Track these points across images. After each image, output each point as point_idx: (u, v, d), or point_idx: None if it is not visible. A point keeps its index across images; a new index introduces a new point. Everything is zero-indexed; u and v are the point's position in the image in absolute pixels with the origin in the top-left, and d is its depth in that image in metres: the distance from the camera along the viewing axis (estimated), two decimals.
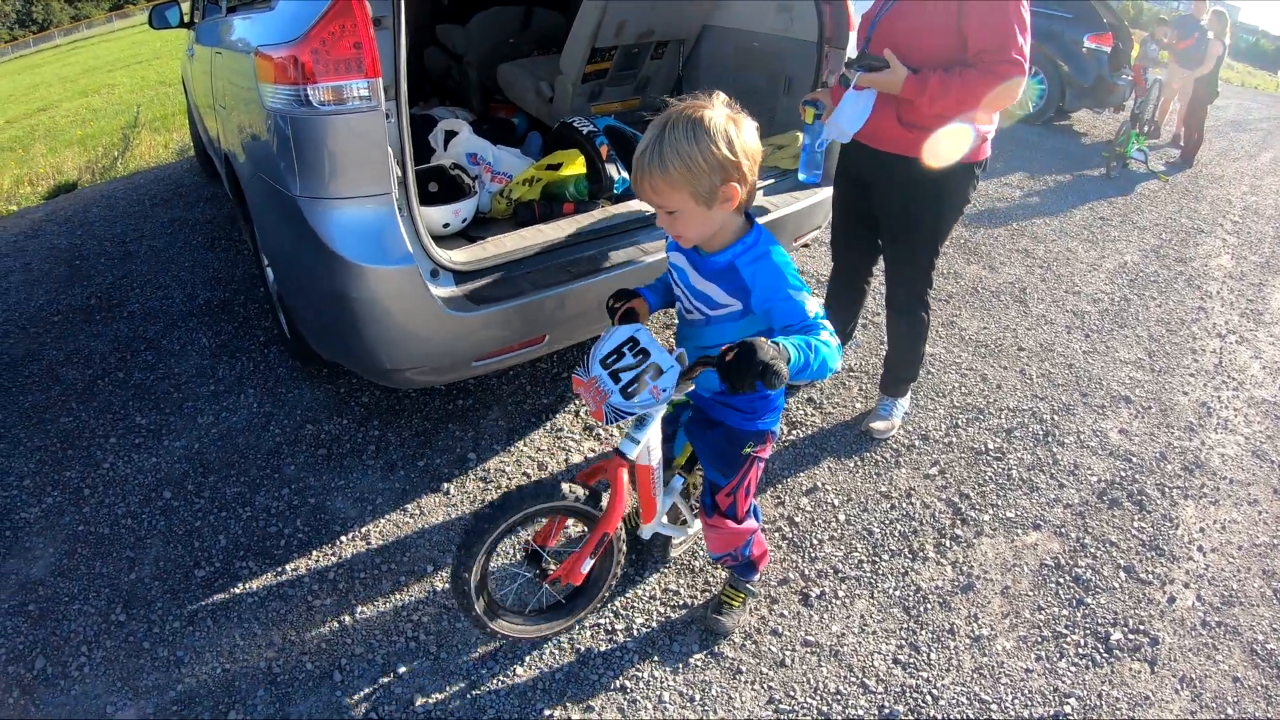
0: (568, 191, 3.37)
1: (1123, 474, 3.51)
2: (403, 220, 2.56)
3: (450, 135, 3.75)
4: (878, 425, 3.58)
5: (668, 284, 2.29)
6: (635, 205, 3.37)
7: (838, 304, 3.66)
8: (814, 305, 1.90)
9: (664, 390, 1.93)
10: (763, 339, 1.70)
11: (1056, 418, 3.85)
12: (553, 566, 2.37)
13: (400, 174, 2.53)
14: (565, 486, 2.22)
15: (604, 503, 2.25)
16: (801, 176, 3.34)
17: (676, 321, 2.31)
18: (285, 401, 3.72)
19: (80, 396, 3.82)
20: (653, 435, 2.20)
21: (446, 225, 3.07)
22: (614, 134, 3.82)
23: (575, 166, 3.42)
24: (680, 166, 1.78)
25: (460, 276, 2.76)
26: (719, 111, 1.82)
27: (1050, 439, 3.69)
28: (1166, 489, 3.44)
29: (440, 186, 3.21)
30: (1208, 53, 9.56)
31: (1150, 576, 3.00)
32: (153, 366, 4.03)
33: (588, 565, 2.29)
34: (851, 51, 3.55)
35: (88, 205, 6.72)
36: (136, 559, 2.93)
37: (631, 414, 1.95)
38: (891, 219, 3.18)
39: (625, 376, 1.93)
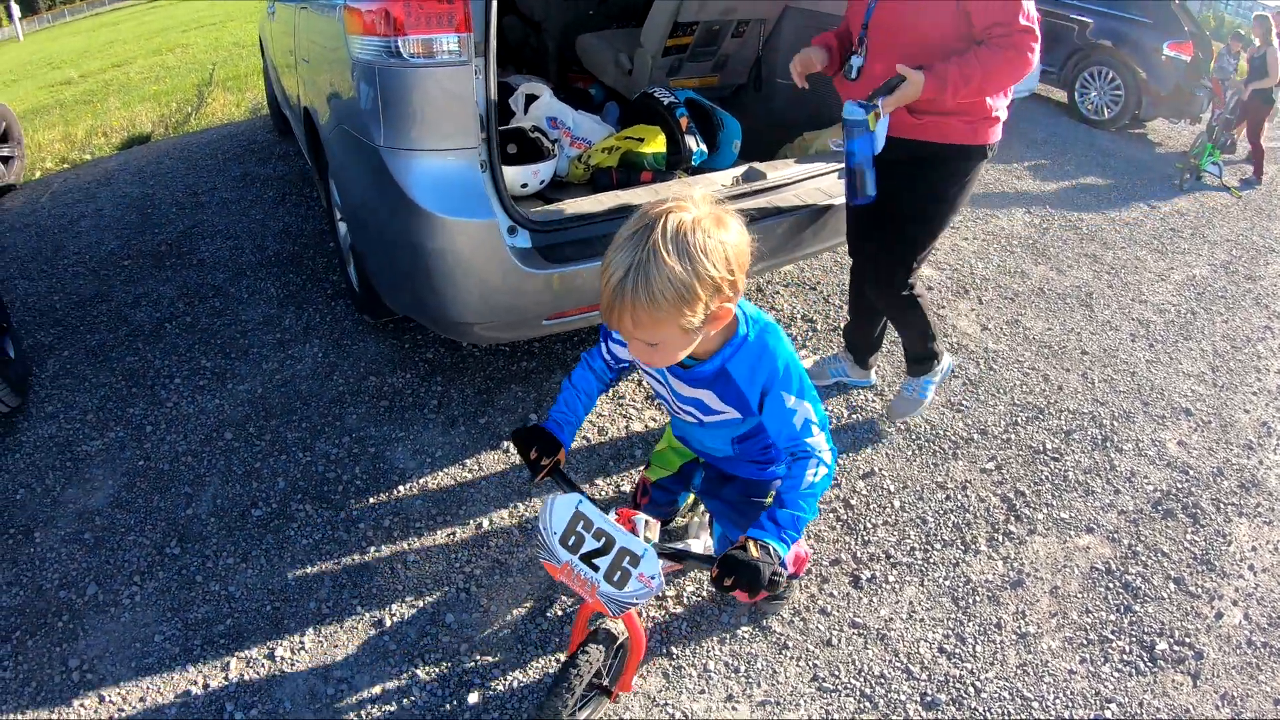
0: (646, 161, 3.37)
1: (1179, 486, 3.43)
2: (484, 176, 2.59)
3: (531, 99, 3.77)
4: (897, 407, 3.52)
5: (579, 403, 2.00)
6: (713, 177, 3.36)
7: (859, 308, 3.54)
8: (808, 412, 1.74)
9: (653, 577, 1.68)
10: (750, 549, 1.58)
11: (1116, 424, 3.77)
12: (607, 683, 2.14)
13: (484, 130, 2.55)
14: (584, 666, 1.89)
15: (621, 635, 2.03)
16: (852, 201, 3.12)
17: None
18: (350, 353, 3.76)
19: (147, 338, 3.91)
20: None
21: (525, 186, 3.10)
22: (694, 106, 3.81)
23: (656, 144, 3.42)
24: (674, 299, 1.47)
25: (537, 235, 2.77)
26: (705, 216, 1.51)
27: (1109, 444, 3.62)
28: (1221, 505, 3.35)
29: (519, 148, 3.24)
30: (1268, 63, 9.33)
31: (1199, 590, 2.93)
32: (220, 313, 4.10)
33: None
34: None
35: (160, 157, 6.84)
36: (194, 495, 2.99)
37: (633, 603, 1.70)
38: (887, 199, 2.99)
39: (602, 564, 1.69)
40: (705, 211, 1.52)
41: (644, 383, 1.98)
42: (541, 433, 1.90)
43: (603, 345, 2.01)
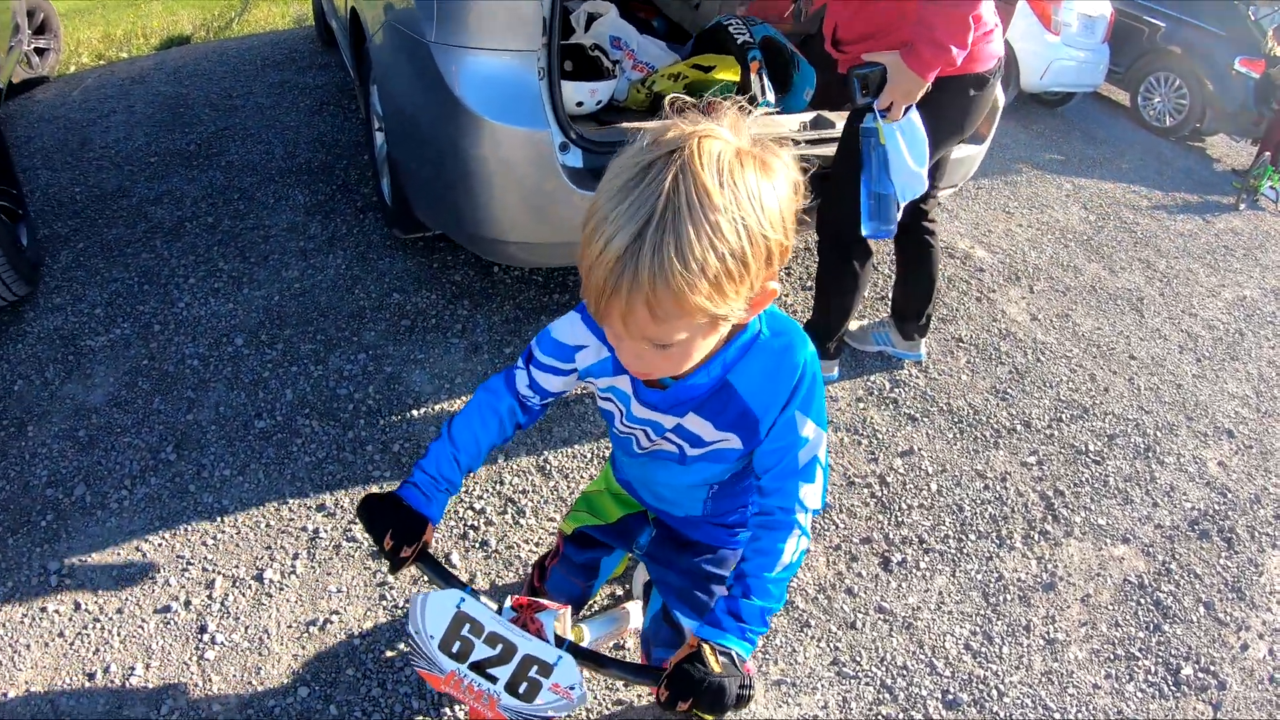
0: (713, 93, 3.16)
1: (1216, 507, 3.31)
2: (541, 84, 2.40)
3: (593, 18, 3.57)
4: (856, 336, 3.55)
5: (457, 461, 1.42)
6: (780, 119, 3.17)
7: (907, 275, 3.39)
8: (818, 449, 1.30)
9: (572, 687, 1.24)
10: (706, 656, 1.18)
11: (1159, 434, 3.63)
12: None
13: (546, 35, 2.36)
14: None
15: None
16: (865, 231, 2.83)
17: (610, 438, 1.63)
18: (375, 268, 3.61)
19: (166, 236, 3.77)
20: None
21: (580, 104, 2.91)
22: (770, 48, 3.58)
23: (728, 72, 3.21)
24: (718, 273, 0.97)
25: (591, 155, 2.58)
26: (747, 152, 1.01)
27: (1150, 455, 3.49)
28: (1256, 533, 3.24)
29: (576, 66, 3.04)
30: None
31: (1228, 618, 2.82)
32: (244, 216, 3.96)
33: None
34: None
35: (198, 59, 6.68)
36: (197, 401, 2.87)
37: (549, 717, 1.27)
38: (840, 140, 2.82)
39: (501, 674, 1.24)
40: (745, 145, 1.02)
41: (595, 403, 1.53)
42: (399, 508, 1.35)
43: (521, 373, 1.44)
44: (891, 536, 2.76)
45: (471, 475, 1.50)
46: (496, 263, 3.58)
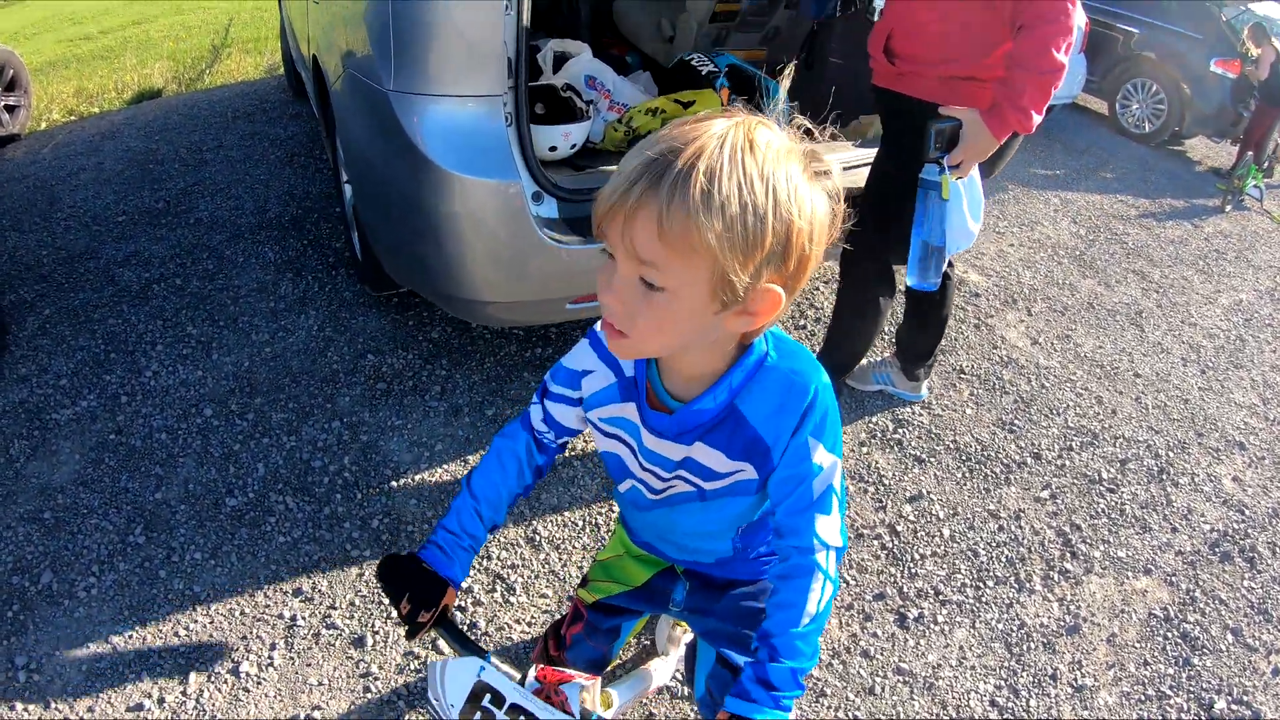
0: None
1: (1235, 526, 3.21)
2: (509, 131, 2.25)
3: (562, 58, 3.44)
4: (858, 377, 3.41)
5: (480, 517, 1.35)
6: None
7: (914, 310, 3.26)
8: (833, 477, 1.19)
9: None
10: None
11: (1171, 455, 3.52)
12: None
13: (512, 77, 2.22)
14: None
15: None
16: (911, 281, 2.74)
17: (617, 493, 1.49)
18: (348, 327, 3.47)
19: (133, 299, 3.65)
20: None
21: (553, 149, 2.76)
22: (736, 75, 3.48)
23: (709, 104, 3.09)
24: (733, 220, 0.93)
25: (566, 204, 2.43)
26: (801, 152, 1.01)
27: (1165, 477, 3.37)
28: (1278, 549, 3.13)
29: (548, 108, 2.90)
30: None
31: (1256, 643, 2.70)
32: (212, 276, 3.84)
33: None
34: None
35: (169, 112, 6.62)
36: (165, 478, 2.72)
37: None
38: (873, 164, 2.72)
39: None
40: (799, 148, 1.00)
41: (598, 454, 1.40)
42: (418, 569, 1.28)
43: (536, 408, 1.38)
44: (906, 590, 2.61)
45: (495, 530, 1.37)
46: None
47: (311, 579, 2.41)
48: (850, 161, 3.05)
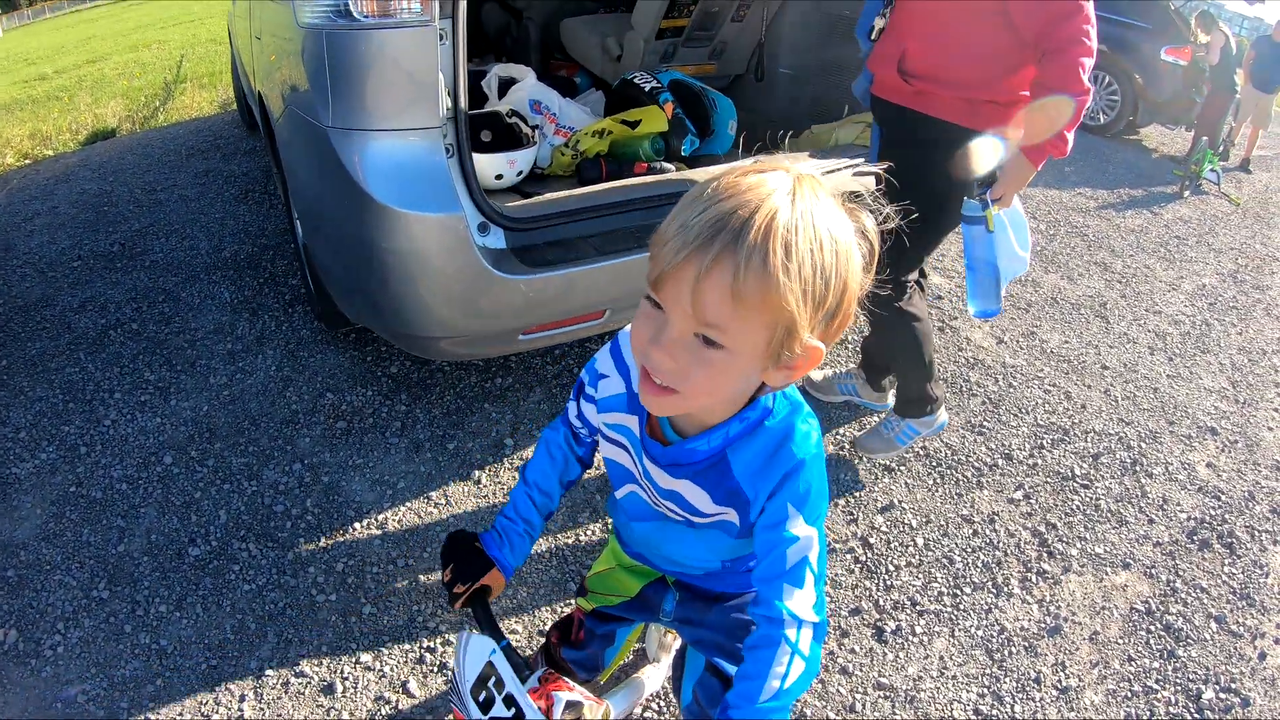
0: (641, 150, 3.00)
1: (1212, 512, 3.21)
2: (450, 162, 2.21)
3: (507, 83, 3.40)
4: (869, 444, 3.16)
5: (535, 505, 1.47)
6: (716, 170, 2.98)
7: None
8: (809, 549, 1.16)
9: None
10: None
11: (1144, 445, 3.53)
12: None
13: (452, 107, 2.18)
14: None
15: None
16: (974, 310, 2.78)
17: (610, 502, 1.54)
18: (306, 366, 3.42)
19: (90, 347, 3.59)
20: None
21: (499, 177, 2.72)
22: (680, 89, 3.46)
23: (654, 122, 3.07)
24: (808, 278, 0.93)
25: (514, 234, 2.40)
26: (838, 196, 1.03)
27: (1138, 468, 3.37)
28: (1256, 532, 3.14)
29: (494, 135, 2.86)
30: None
31: (1241, 629, 2.70)
32: (169, 319, 3.77)
33: None
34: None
35: (123, 152, 6.56)
36: (128, 529, 2.66)
37: None
38: (891, 179, 2.61)
39: None
40: (841, 201, 1.03)
41: (601, 460, 1.41)
42: (471, 547, 1.41)
43: (572, 404, 1.44)
44: (882, 603, 2.58)
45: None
46: None
47: (277, 626, 2.35)
48: (827, 168, 3.03)
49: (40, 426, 3.10)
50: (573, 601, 2.45)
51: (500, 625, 1.56)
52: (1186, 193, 8.05)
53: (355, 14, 2.02)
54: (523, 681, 1.26)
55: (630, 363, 1.28)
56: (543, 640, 2.01)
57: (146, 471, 2.88)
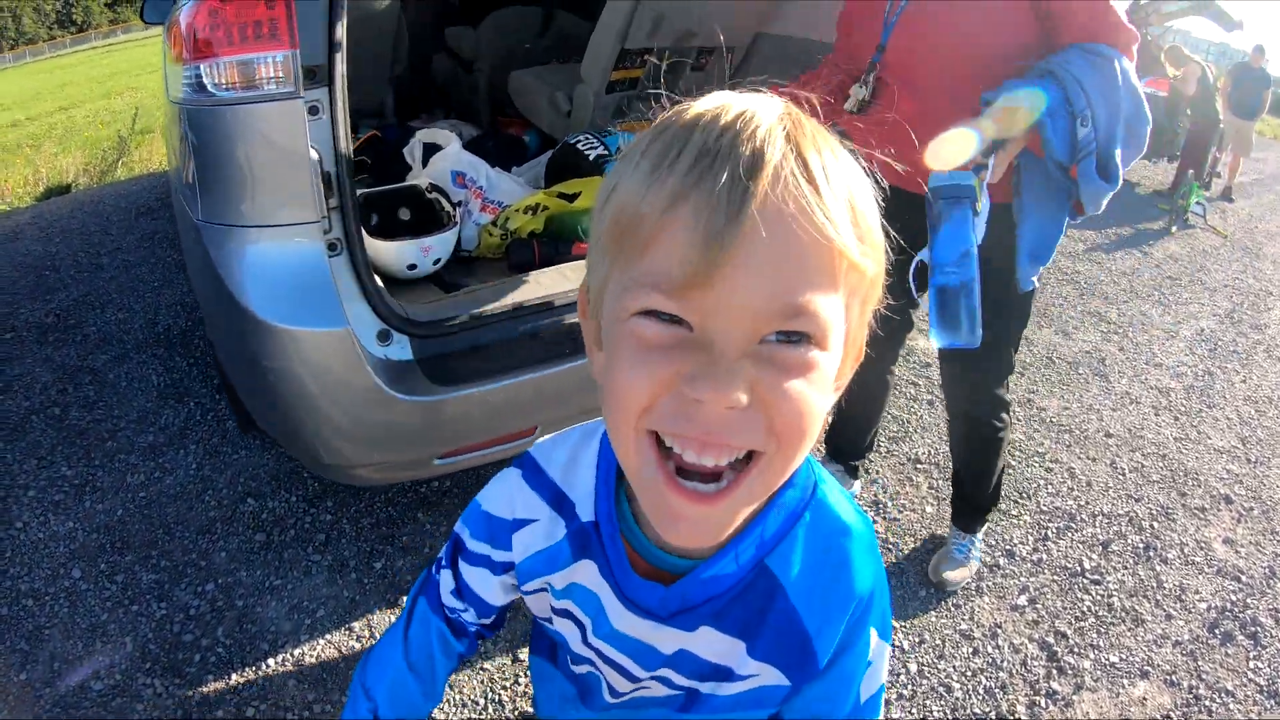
0: (580, 228, 2.66)
1: (1233, 597, 2.95)
2: (335, 261, 1.89)
3: (431, 149, 3.07)
4: (951, 575, 2.78)
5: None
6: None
7: (853, 403, 2.73)
8: (880, 674, 0.87)
9: None
10: None
11: (1156, 525, 3.26)
12: None
13: (335, 195, 1.86)
14: None
15: None
16: (939, 340, 1.96)
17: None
18: (228, 464, 3.13)
19: (10, 434, 3.34)
20: None
21: (413, 267, 2.37)
22: None
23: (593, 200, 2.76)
24: (853, 218, 0.63)
25: (422, 342, 2.07)
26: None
27: (1152, 553, 3.09)
28: (1279, 616, 2.90)
29: (413, 213, 2.54)
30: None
31: None
32: (93, 404, 3.51)
33: None
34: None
35: (75, 210, 6.35)
36: (30, 655, 2.39)
37: None
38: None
39: None
40: None
41: (538, 643, 1.05)
42: None
43: (445, 574, 1.04)
44: None
45: None
46: None
47: None
48: None
49: None
50: None
51: None
52: (1174, 228, 7.99)
53: (209, 86, 1.71)
54: None
55: (577, 479, 0.88)
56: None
57: (54, 585, 2.62)
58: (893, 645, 2.58)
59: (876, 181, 0.68)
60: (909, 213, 1.86)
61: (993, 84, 1.93)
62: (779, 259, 0.59)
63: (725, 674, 0.84)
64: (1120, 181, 1.96)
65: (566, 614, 0.91)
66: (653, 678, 0.88)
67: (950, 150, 1.78)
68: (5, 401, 3.53)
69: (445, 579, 1.00)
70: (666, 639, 0.84)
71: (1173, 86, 9.89)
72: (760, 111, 0.62)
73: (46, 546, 2.76)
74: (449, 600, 1.00)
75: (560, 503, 0.88)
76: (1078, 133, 1.88)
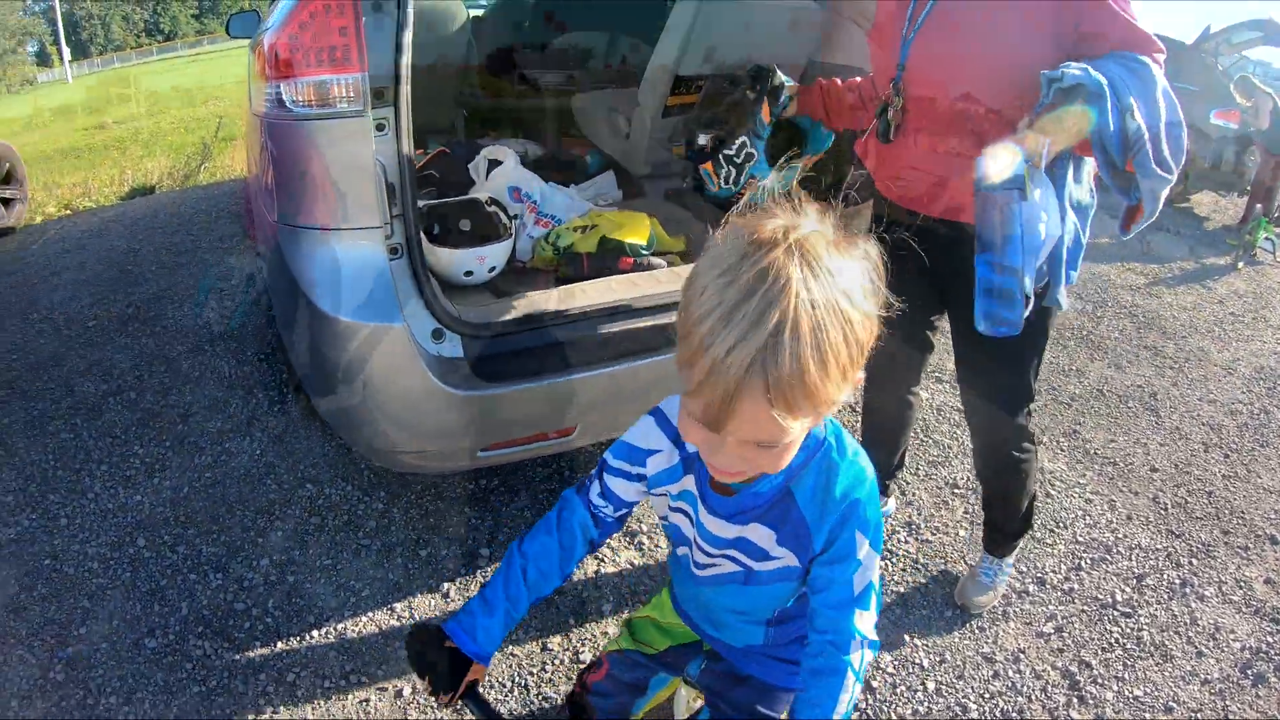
0: (627, 246, 2.78)
1: (1269, 639, 2.87)
2: (396, 264, 2.06)
3: (494, 165, 3.22)
4: (977, 599, 2.81)
5: (525, 586, 1.33)
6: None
7: (875, 425, 2.92)
8: (872, 573, 1.20)
9: None
10: None
11: (1195, 562, 3.20)
12: None
13: (396, 203, 2.03)
14: None
15: None
16: (982, 327, 1.91)
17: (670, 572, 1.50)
18: (290, 452, 3.31)
19: (88, 413, 3.57)
20: None
21: (469, 274, 2.52)
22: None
23: (638, 234, 2.84)
24: (844, 362, 0.94)
25: (472, 341, 2.22)
26: (838, 239, 0.98)
27: (1189, 590, 3.04)
28: None
29: (473, 224, 2.69)
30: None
31: None
32: (167, 391, 3.74)
33: None
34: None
35: (158, 210, 6.71)
36: (91, 611, 2.59)
37: None
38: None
39: None
40: (837, 236, 0.99)
41: (657, 522, 1.35)
42: (441, 650, 1.26)
43: (594, 482, 1.37)
44: None
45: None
46: None
47: None
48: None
49: (27, 492, 3.08)
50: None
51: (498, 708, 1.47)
52: (1240, 264, 7.67)
53: (288, 104, 1.89)
54: None
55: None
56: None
57: (119, 552, 2.81)
58: (908, 648, 2.63)
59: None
60: (926, 238, 2.01)
61: (1013, 104, 1.96)
62: (760, 423, 0.94)
63: (764, 555, 1.26)
64: (1175, 176, 1.97)
65: (679, 510, 1.34)
66: (722, 555, 1.30)
67: (996, 169, 1.77)
68: (85, 383, 3.78)
69: (594, 486, 1.37)
70: (729, 530, 1.26)
71: (1243, 118, 9.65)
72: (781, 311, 0.89)
73: (115, 516, 2.96)
74: (595, 500, 1.37)
75: (676, 439, 1.29)
76: (1129, 127, 1.85)
